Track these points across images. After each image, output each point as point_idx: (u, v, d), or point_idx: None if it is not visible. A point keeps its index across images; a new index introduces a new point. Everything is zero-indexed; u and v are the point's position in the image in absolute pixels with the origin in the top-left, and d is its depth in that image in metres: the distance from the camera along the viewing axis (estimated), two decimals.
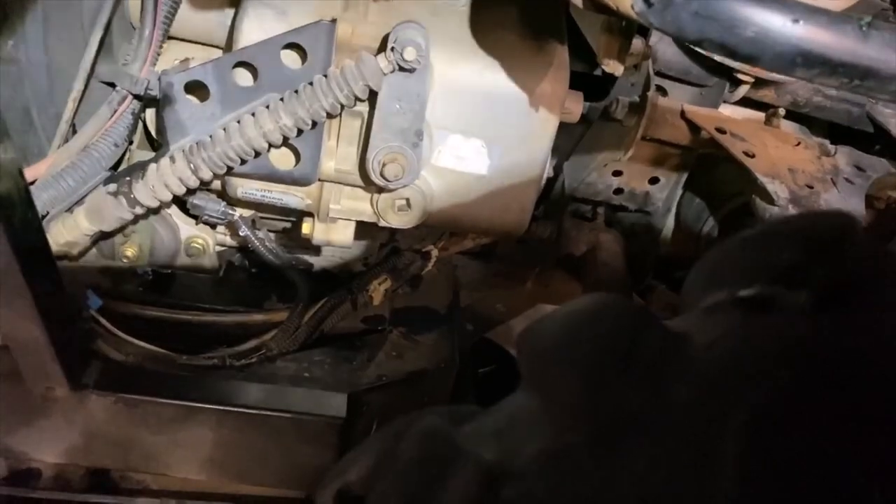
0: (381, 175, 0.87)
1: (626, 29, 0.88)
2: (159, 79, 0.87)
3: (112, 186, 0.89)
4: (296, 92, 0.83)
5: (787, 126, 1.24)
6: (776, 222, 0.40)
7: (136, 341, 0.97)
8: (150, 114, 0.98)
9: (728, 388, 0.31)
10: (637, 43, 0.92)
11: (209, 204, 0.99)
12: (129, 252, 1.03)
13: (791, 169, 1.04)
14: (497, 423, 0.38)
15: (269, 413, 0.92)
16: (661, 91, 1.17)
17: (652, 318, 0.36)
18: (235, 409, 0.92)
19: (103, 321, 0.95)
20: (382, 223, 0.95)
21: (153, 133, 0.99)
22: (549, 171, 1.02)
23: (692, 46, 1.00)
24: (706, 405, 0.31)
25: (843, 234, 0.36)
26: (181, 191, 0.88)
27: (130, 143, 0.98)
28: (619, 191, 1.26)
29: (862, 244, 0.36)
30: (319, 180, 0.92)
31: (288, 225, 1.11)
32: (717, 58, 1.06)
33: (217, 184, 0.95)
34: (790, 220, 0.55)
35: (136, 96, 0.92)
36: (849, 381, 0.30)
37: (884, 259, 0.36)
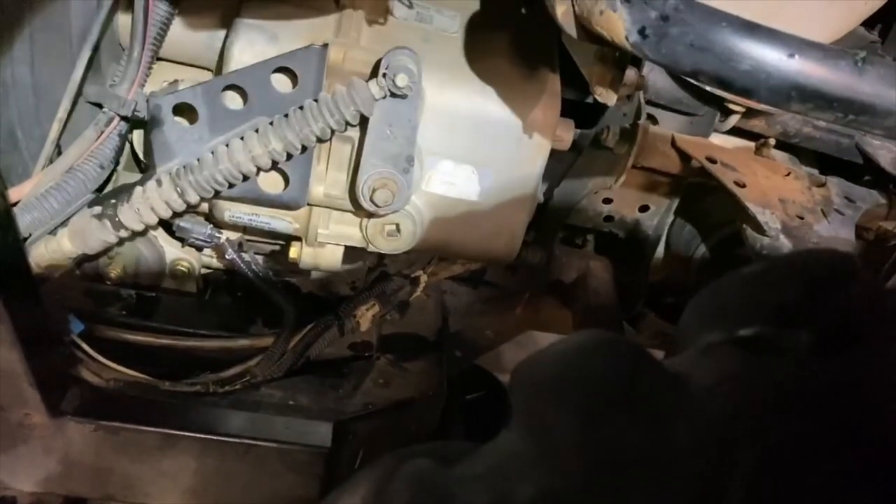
0: (371, 200, 0.86)
1: (619, 59, 0.88)
2: (147, 100, 0.86)
3: (97, 209, 0.88)
4: (286, 116, 0.82)
5: (776, 156, 1.24)
6: (774, 261, 0.39)
7: (117, 367, 0.95)
8: (137, 136, 0.97)
9: (734, 434, 0.30)
10: (630, 73, 0.92)
11: (195, 227, 0.98)
12: (113, 274, 1.01)
13: (782, 199, 1.04)
14: (489, 464, 0.37)
15: (252, 442, 0.91)
16: (652, 119, 1.17)
17: (650, 358, 0.35)
18: (218, 438, 0.90)
19: (84, 346, 0.93)
20: (371, 248, 0.94)
21: (140, 155, 0.98)
22: (539, 198, 1.01)
23: (687, 78, 1.00)
24: (711, 450, 0.30)
25: (843, 274, 0.35)
26: (167, 214, 0.87)
27: (117, 164, 0.96)
28: (609, 218, 1.26)
29: (863, 284, 0.35)
30: (308, 205, 0.91)
31: (276, 248, 1.09)
32: (710, 89, 1.06)
33: (204, 206, 0.93)
34: (788, 258, 0.54)
35: (124, 118, 0.91)
36: (856, 427, 0.30)
37: (885, 300, 0.36)
